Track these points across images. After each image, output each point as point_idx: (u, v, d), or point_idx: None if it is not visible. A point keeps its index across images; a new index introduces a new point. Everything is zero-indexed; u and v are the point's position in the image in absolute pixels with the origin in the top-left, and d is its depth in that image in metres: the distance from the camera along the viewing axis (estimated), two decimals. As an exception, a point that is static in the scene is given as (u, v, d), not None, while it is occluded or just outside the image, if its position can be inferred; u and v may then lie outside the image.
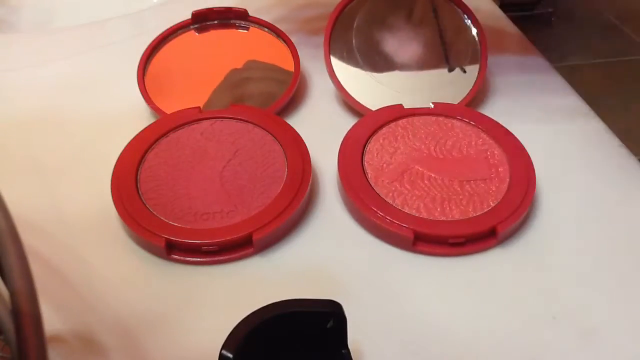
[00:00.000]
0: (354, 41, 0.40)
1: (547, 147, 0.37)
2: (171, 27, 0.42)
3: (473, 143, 0.36)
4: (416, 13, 0.42)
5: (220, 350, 0.22)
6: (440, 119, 0.37)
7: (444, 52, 0.40)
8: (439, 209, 0.32)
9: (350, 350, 0.25)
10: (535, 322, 0.29)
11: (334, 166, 0.35)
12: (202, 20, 0.43)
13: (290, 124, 0.36)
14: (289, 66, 0.41)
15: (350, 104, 0.39)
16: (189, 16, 0.42)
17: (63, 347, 0.27)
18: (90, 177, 0.35)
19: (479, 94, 0.40)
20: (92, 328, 0.28)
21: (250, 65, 0.41)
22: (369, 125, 0.36)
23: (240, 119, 0.37)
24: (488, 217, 0.32)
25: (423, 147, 0.35)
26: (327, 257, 0.31)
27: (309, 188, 0.33)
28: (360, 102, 0.39)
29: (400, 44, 0.41)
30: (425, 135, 0.36)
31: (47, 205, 0.34)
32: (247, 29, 0.43)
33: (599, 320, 0.29)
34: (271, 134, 0.36)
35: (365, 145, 0.35)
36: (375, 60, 0.40)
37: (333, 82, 0.39)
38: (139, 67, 0.40)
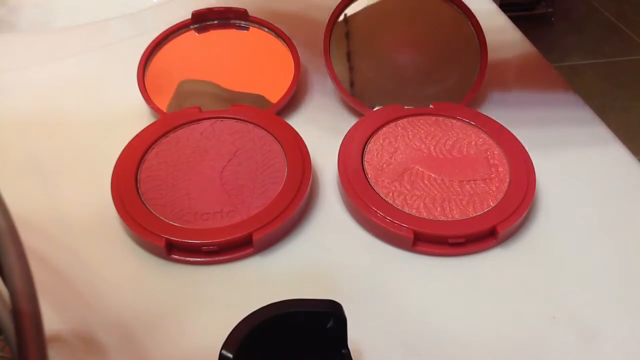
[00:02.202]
0: (353, 41, 0.40)
1: (547, 146, 0.37)
2: (171, 27, 0.42)
3: (473, 143, 0.36)
4: (415, 15, 0.42)
5: (220, 350, 0.22)
6: (440, 119, 0.37)
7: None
8: (439, 209, 0.32)
9: (350, 350, 0.25)
10: (535, 322, 0.29)
11: (334, 166, 0.35)
12: (202, 20, 0.43)
13: (290, 124, 0.36)
14: (289, 66, 0.41)
15: (350, 104, 0.39)
16: (189, 16, 0.42)
17: (63, 347, 0.27)
18: (90, 177, 0.35)
19: (479, 94, 0.40)
20: (92, 328, 0.28)
21: (250, 67, 0.41)
22: (369, 125, 0.36)
23: (240, 119, 0.37)
24: (488, 217, 0.32)
25: (423, 147, 0.35)
26: (327, 257, 0.31)
27: (309, 188, 0.33)
28: (360, 102, 0.39)
29: (400, 44, 0.41)
30: (425, 135, 0.36)
31: (47, 206, 0.34)
32: (247, 29, 0.43)
33: (599, 320, 0.29)
34: (271, 134, 0.36)
35: (365, 145, 0.35)
36: (376, 60, 0.40)
37: (333, 82, 0.39)
38: (139, 67, 0.40)
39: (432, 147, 0.35)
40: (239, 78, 0.41)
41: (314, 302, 0.24)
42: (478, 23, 0.41)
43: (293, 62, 0.41)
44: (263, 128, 0.36)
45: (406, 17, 0.42)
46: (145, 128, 0.36)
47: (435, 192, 0.33)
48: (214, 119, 0.37)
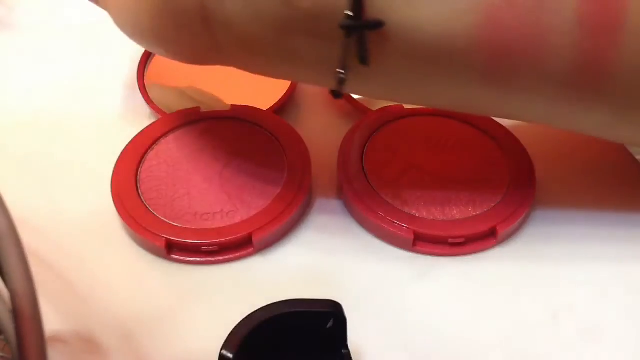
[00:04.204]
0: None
1: (548, 146, 0.37)
2: (171, 27, 0.42)
3: (473, 143, 0.36)
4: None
5: (220, 350, 0.22)
6: (440, 118, 0.37)
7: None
8: (439, 209, 0.32)
9: (350, 350, 0.25)
10: (536, 321, 0.29)
11: (334, 166, 0.35)
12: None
13: (290, 123, 0.36)
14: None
15: (350, 104, 0.39)
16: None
17: (63, 347, 0.27)
18: (90, 177, 0.35)
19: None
20: (92, 328, 0.28)
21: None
22: (368, 125, 0.36)
23: (240, 119, 0.37)
24: (488, 217, 0.32)
25: (423, 147, 0.35)
26: (327, 257, 0.32)
27: (309, 188, 0.33)
28: (360, 102, 0.39)
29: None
30: (426, 135, 0.36)
31: (47, 206, 0.34)
32: (247, 28, 0.43)
33: (599, 320, 0.29)
34: (271, 134, 0.36)
35: (365, 145, 0.35)
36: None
37: (333, 82, 0.39)
38: (139, 67, 0.40)
39: (432, 147, 0.35)
40: (239, 77, 0.41)
41: (314, 302, 0.24)
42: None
43: (293, 62, 0.41)
44: (263, 127, 0.36)
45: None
46: (145, 128, 0.36)
47: (435, 192, 0.33)
48: (214, 119, 0.37)
